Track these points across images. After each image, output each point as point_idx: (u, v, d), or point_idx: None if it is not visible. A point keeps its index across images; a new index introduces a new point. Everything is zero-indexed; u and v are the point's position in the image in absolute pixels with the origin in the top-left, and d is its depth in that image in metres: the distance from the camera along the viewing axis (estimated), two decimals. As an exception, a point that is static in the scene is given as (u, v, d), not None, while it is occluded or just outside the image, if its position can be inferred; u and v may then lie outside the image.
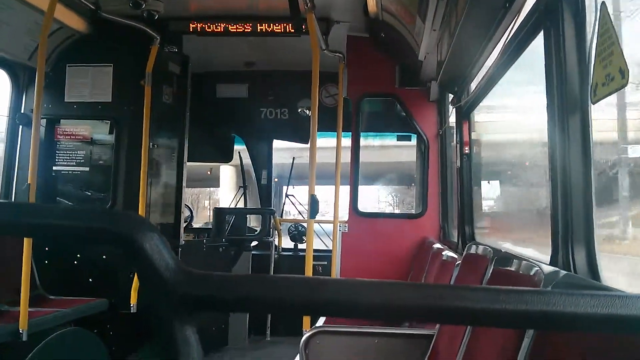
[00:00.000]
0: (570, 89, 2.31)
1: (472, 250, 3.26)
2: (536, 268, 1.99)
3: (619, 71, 2.02)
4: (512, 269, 2.24)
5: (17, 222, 0.77)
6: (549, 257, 2.32)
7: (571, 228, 2.16)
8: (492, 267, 2.56)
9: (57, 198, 5.63)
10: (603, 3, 2.15)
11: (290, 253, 7.10)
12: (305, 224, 7.25)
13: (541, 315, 0.75)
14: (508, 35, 3.28)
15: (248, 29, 5.76)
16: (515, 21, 3.14)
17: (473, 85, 4.63)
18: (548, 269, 2.08)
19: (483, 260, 2.81)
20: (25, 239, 4.21)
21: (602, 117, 2.49)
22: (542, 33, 2.62)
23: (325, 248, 7.22)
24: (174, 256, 0.75)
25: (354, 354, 3.46)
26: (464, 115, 4.97)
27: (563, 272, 1.99)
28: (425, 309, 0.76)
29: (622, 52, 2.03)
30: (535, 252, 3.26)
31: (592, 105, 2.23)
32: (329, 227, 6.96)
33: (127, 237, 0.73)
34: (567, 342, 1.57)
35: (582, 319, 0.75)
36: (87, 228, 0.75)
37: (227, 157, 7.87)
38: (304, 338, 3.44)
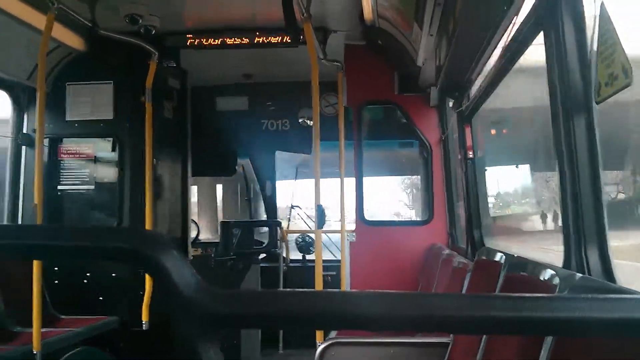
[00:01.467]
0: (573, 90, 2.31)
1: (484, 256, 3.24)
2: (551, 272, 1.97)
3: (622, 70, 2.01)
4: (526, 274, 2.22)
5: (38, 245, 0.77)
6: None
7: (583, 230, 2.15)
8: (504, 273, 2.54)
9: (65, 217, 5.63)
10: (602, 3, 2.15)
11: (298, 264, 7.07)
12: (312, 235, 7.24)
13: (562, 322, 0.74)
14: (507, 37, 3.28)
15: (245, 41, 5.77)
16: (514, 23, 3.14)
17: (474, 89, 4.63)
18: (563, 272, 2.06)
19: (495, 265, 2.79)
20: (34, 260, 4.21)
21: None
22: (541, 34, 2.61)
23: (333, 258, 7.20)
24: (195, 274, 0.75)
25: (369, 365, 3.44)
26: (466, 119, 4.96)
27: (579, 275, 1.97)
28: (442, 320, 0.76)
29: (625, 51, 2.03)
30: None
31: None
32: (335, 237, 6.95)
33: (149, 256, 0.73)
34: (586, 350, 1.56)
35: (604, 324, 0.75)
36: (107, 248, 0.75)
37: (230, 171, 7.87)
38: (318, 350, 3.42)
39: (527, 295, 0.76)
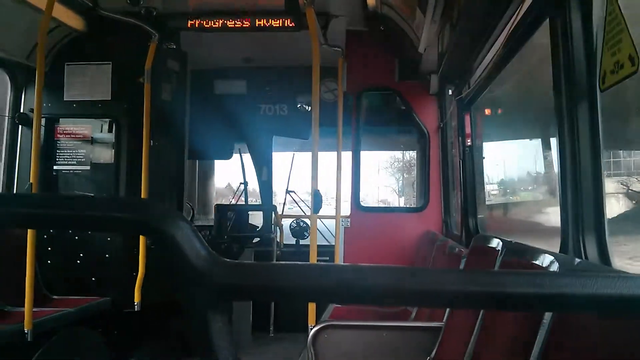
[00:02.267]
0: (577, 78, 2.30)
1: (479, 242, 3.25)
2: (549, 257, 1.98)
3: (628, 58, 2.01)
4: (523, 259, 2.23)
5: (50, 214, 0.76)
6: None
7: (581, 215, 2.15)
8: (501, 258, 2.55)
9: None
10: (610, -10, 2.14)
11: (292, 249, 7.08)
12: (306, 220, 7.25)
13: (553, 298, 0.74)
14: (512, 25, 3.26)
15: (246, 24, 5.73)
16: (519, 10, 3.12)
17: (474, 77, 4.62)
18: (559, 257, 2.07)
19: (492, 251, 2.80)
20: (29, 238, 4.19)
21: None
22: (547, 22, 2.60)
23: (326, 243, 7.21)
24: (206, 246, 0.74)
25: (362, 348, 3.45)
26: (466, 107, 4.95)
27: (577, 260, 1.98)
28: (435, 294, 0.76)
29: (632, 39, 2.02)
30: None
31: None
32: (329, 222, 6.96)
33: (159, 228, 0.73)
34: (583, 332, 1.57)
35: (596, 302, 0.74)
36: (118, 219, 0.74)
37: (227, 154, 7.84)
38: (311, 333, 3.43)
39: (522, 271, 0.76)
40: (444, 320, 3.41)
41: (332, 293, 0.76)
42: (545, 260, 1.99)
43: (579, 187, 2.17)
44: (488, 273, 0.77)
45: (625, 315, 0.94)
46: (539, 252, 2.12)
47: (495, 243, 2.87)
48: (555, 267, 1.89)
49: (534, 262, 2.07)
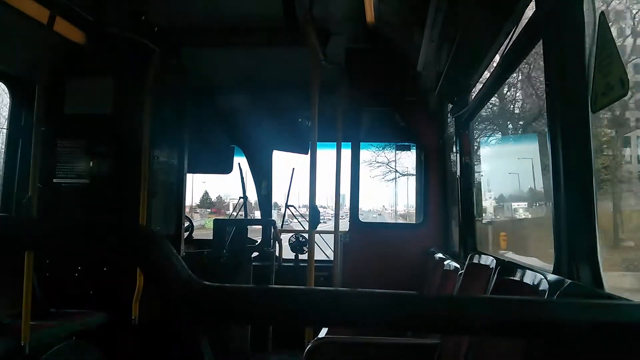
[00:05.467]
0: (570, 99, 2.32)
1: (475, 260, 3.26)
2: (540, 277, 1.99)
3: (619, 81, 2.03)
4: (516, 278, 2.24)
5: (32, 239, 0.78)
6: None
7: (574, 237, 2.16)
8: (495, 277, 2.56)
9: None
10: (602, 13, 2.17)
11: (291, 264, 7.07)
12: (305, 235, 7.25)
13: (547, 324, 0.75)
14: (507, 45, 3.30)
15: (248, 40, 5.77)
16: (515, 31, 3.16)
17: (472, 95, 4.65)
18: (552, 277, 2.08)
19: (486, 270, 2.81)
20: (26, 252, 4.20)
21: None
22: (541, 42, 2.63)
23: (325, 258, 7.20)
24: (185, 268, 0.75)
25: (358, 365, 3.44)
26: (464, 124, 4.98)
27: (568, 281, 1.99)
28: (429, 320, 0.77)
29: (622, 62, 2.05)
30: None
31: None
32: (329, 237, 6.96)
33: (140, 251, 0.74)
34: (575, 354, 1.57)
35: (589, 328, 0.76)
36: (100, 243, 0.76)
37: (226, 169, 7.87)
38: (307, 349, 3.42)
39: (511, 297, 0.77)
40: (441, 336, 3.40)
41: (306, 317, 0.77)
42: (535, 280, 2.01)
43: (571, 210, 2.18)
44: (476, 300, 0.79)
45: (601, 339, 0.95)
46: (531, 272, 2.13)
47: (489, 261, 2.88)
48: (545, 287, 1.91)
49: (525, 281, 2.08)
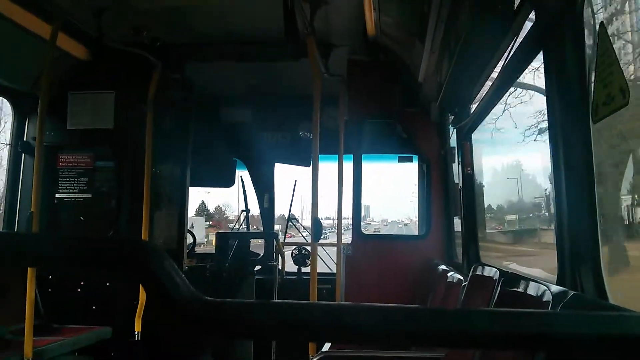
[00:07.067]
0: (571, 109, 2.32)
1: (479, 272, 3.25)
2: (544, 289, 1.98)
3: (619, 91, 2.03)
4: (520, 289, 2.23)
5: (33, 254, 0.77)
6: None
7: (577, 248, 2.15)
8: (499, 289, 2.55)
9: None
10: (602, 23, 2.18)
11: (294, 277, 7.05)
12: (308, 247, 7.23)
13: (553, 337, 0.75)
14: (508, 55, 3.30)
15: (249, 54, 5.81)
16: (515, 41, 3.17)
17: (474, 106, 4.65)
18: (556, 289, 2.07)
19: (490, 281, 2.79)
20: (29, 268, 4.20)
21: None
22: (541, 53, 2.63)
23: (328, 271, 7.18)
24: (186, 282, 0.75)
25: (361, 379, 3.42)
26: (465, 135, 4.98)
27: (571, 293, 1.97)
28: (434, 334, 0.76)
29: (623, 72, 2.05)
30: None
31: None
32: (332, 249, 6.94)
33: (140, 266, 0.74)
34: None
35: (594, 340, 0.75)
36: (101, 257, 0.75)
37: (229, 182, 7.88)
38: (310, 363, 3.41)
39: (515, 310, 0.76)
40: (445, 350, 3.38)
41: (309, 332, 0.77)
42: (539, 291, 1.99)
43: (574, 220, 2.17)
44: (480, 313, 0.78)
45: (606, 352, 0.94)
46: (534, 283, 2.12)
47: (493, 272, 2.86)
48: (549, 299, 1.89)
49: (529, 293, 2.07)
